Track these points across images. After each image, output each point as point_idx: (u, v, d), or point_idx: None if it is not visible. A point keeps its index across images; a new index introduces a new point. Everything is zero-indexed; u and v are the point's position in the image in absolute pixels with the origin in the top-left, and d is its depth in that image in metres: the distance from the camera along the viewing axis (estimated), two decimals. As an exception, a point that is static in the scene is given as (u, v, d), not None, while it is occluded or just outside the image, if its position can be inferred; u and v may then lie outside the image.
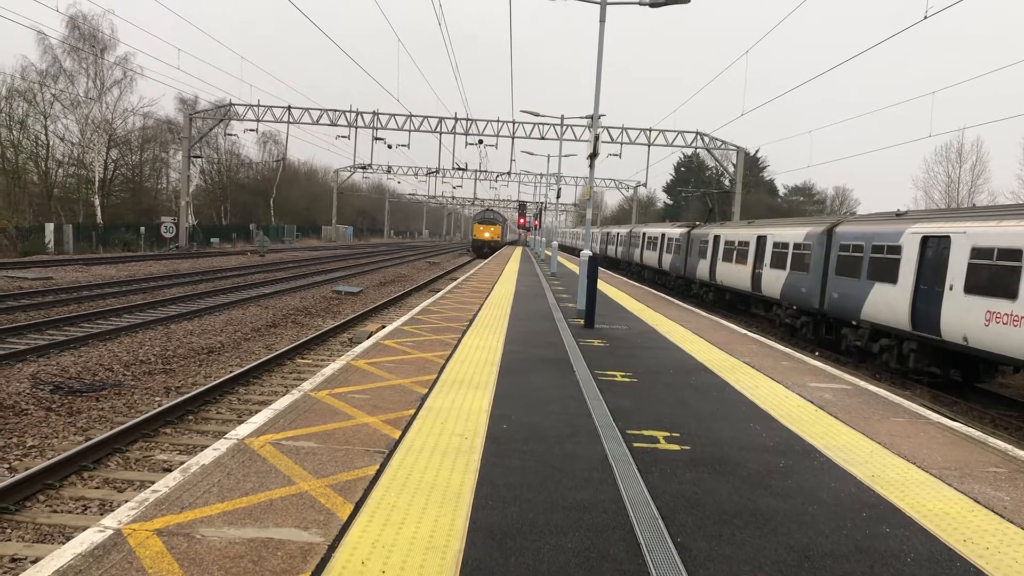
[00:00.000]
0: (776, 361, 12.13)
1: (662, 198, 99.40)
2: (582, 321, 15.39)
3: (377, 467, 5.75)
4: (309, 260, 48.07)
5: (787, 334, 22.31)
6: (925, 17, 19.76)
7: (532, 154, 59.29)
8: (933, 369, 15.95)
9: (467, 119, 50.20)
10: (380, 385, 8.63)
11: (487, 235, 69.68)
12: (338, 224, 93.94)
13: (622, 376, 9.90)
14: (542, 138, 49.49)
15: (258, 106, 49.62)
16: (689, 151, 65.63)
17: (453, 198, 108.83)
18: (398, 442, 6.43)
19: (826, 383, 10.38)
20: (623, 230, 55.15)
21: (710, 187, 63.65)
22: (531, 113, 38.34)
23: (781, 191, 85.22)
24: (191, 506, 4.80)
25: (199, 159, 61.12)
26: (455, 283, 25.39)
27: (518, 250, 66.07)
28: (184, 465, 5.59)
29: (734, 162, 52.55)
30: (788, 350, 14.02)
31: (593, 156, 18.13)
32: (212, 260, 42.87)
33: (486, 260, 47.55)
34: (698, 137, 50.05)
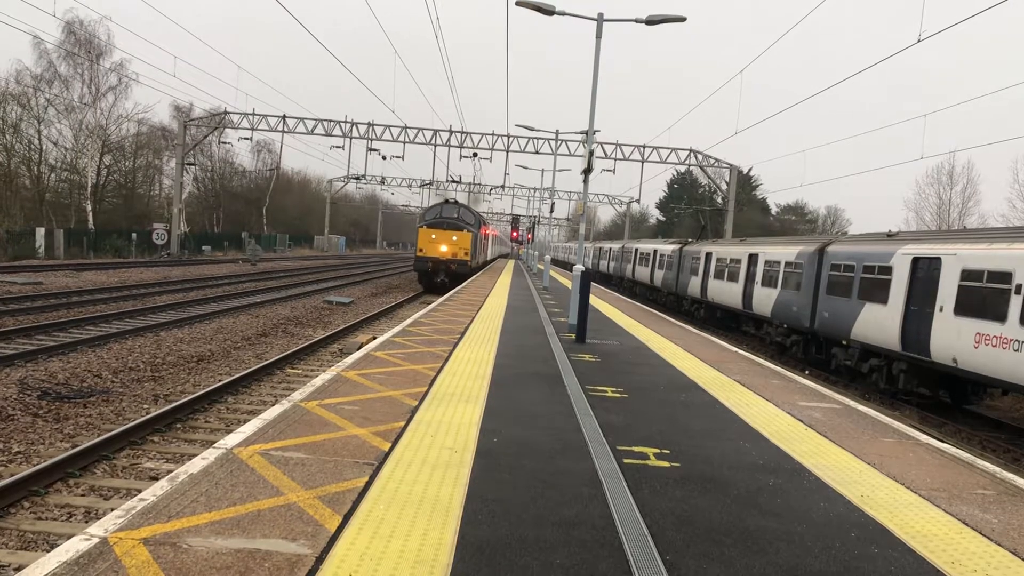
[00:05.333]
0: (766, 379, 12.15)
1: (655, 214, 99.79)
2: (574, 336, 15.39)
3: (366, 479, 5.73)
4: (301, 270, 48.01)
5: (777, 352, 22.37)
6: (919, 40, 20.00)
7: (526, 168, 59.16)
8: (922, 390, 16.02)
9: (462, 132, 50.38)
10: (370, 397, 8.60)
11: (444, 249, 37.70)
12: (331, 234, 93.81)
13: (613, 392, 9.90)
14: (536, 152, 49.65)
15: (253, 115, 49.69)
16: (682, 168, 65.79)
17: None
18: (388, 454, 6.41)
19: (816, 402, 10.40)
20: (615, 246, 55.31)
21: (703, 204, 64.10)
22: (526, 128, 38.49)
23: (773, 210, 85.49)
24: (178, 515, 4.77)
25: (193, 166, 61.12)
26: (446, 295, 25.36)
27: (511, 263, 65.98)
28: (172, 474, 5.55)
29: (727, 180, 52.91)
30: (778, 368, 14.04)
31: (587, 172, 18.20)
32: (203, 268, 42.74)
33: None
34: (692, 154, 50.35)
